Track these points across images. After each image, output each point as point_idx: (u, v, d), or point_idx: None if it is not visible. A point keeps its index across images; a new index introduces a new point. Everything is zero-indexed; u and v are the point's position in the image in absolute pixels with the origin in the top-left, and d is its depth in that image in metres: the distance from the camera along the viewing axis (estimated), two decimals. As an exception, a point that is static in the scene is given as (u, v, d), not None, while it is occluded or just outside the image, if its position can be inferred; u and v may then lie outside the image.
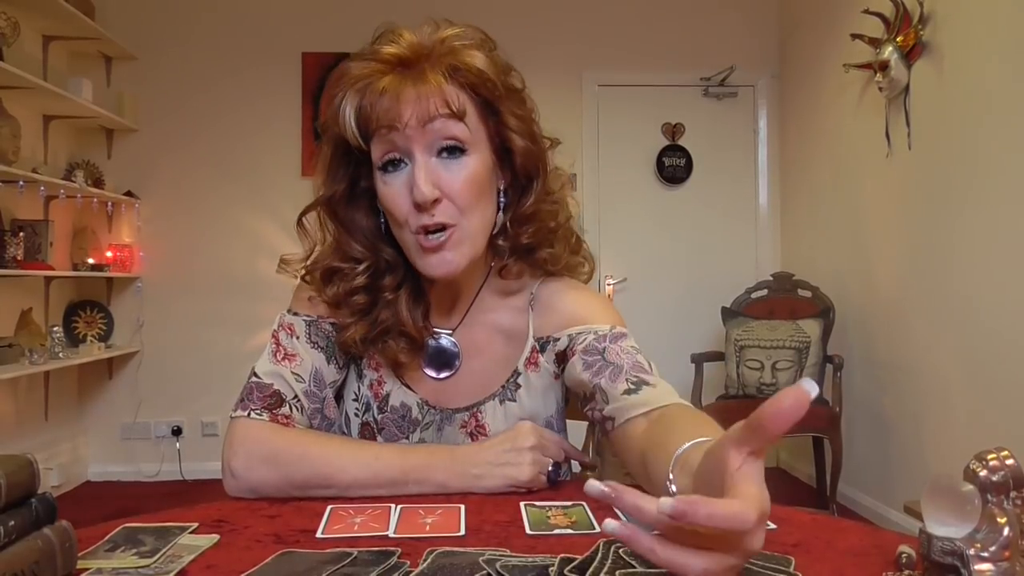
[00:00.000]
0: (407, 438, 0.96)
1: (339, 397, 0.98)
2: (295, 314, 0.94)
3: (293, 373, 0.89)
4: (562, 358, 0.93)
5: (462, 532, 0.69)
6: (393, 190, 0.84)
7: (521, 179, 0.92)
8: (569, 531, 0.69)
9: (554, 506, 0.77)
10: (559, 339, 0.93)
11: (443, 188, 0.83)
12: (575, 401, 0.96)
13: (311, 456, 0.82)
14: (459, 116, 0.82)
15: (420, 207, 0.82)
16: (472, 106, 0.84)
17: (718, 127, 4.18)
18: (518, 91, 0.90)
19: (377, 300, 0.91)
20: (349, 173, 0.90)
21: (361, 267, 0.91)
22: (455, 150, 0.83)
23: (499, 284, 0.96)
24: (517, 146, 0.89)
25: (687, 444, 0.59)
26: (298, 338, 0.92)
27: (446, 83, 0.82)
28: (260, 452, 0.82)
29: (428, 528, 0.70)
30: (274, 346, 0.91)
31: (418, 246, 0.85)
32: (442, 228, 0.83)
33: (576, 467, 1.00)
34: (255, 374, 0.89)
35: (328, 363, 0.93)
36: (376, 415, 0.96)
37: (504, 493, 0.81)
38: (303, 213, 0.93)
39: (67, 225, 3.72)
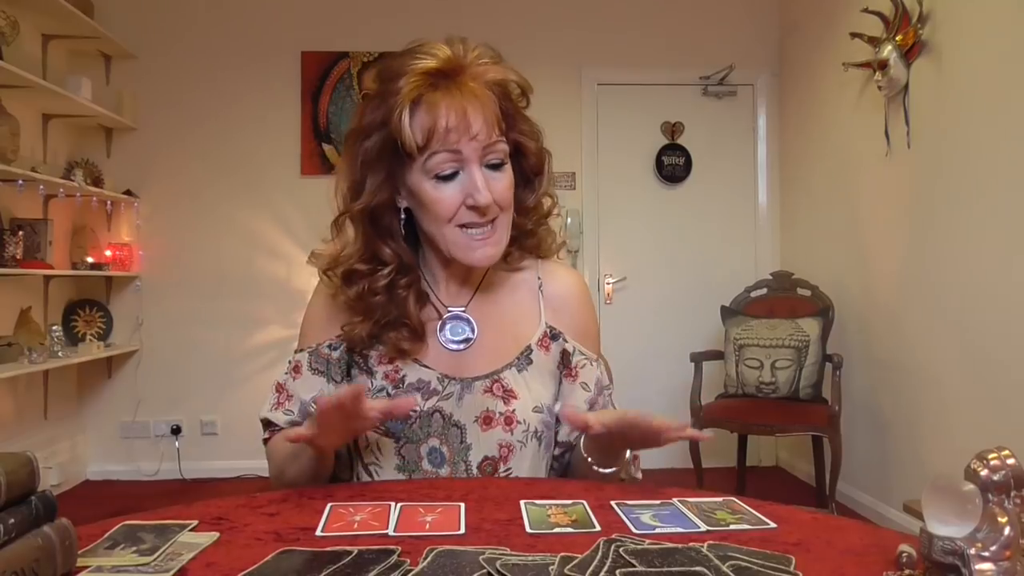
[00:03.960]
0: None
1: None
2: (300, 351, 1.05)
3: (284, 413, 1.04)
4: (565, 360, 1.05)
5: (462, 530, 0.69)
6: (445, 194, 0.94)
7: (530, 176, 1.04)
8: (569, 530, 0.69)
9: (554, 504, 0.77)
10: (568, 343, 1.06)
11: (492, 195, 0.94)
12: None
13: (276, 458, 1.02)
14: (504, 139, 0.97)
15: (480, 211, 0.94)
16: (502, 119, 0.96)
17: (717, 126, 4.18)
18: (527, 98, 1.01)
19: (392, 297, 0.99)
20: (390, 181, 0.97)
21: (387, 269, 0.99)
22: (498, 164, 0.96)
23: (502, 263, 1.06)
24: (529, 149, 1.02)
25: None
26: (301, 375, 1.04)
27: (492, 103, 0.94)
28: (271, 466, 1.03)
29: (428, 526, 0.70)
30: (276, 396, 1.05)
31: (465, 241, 0.96)
32: (488, 225, 0.96)
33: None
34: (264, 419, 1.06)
35: (328, 383, 1.03)
36: (391, 392, 1.01)
37: (502, 493, 0.82)
38: (341, 215, 1.00)
39: (66, 224, 3.71)
